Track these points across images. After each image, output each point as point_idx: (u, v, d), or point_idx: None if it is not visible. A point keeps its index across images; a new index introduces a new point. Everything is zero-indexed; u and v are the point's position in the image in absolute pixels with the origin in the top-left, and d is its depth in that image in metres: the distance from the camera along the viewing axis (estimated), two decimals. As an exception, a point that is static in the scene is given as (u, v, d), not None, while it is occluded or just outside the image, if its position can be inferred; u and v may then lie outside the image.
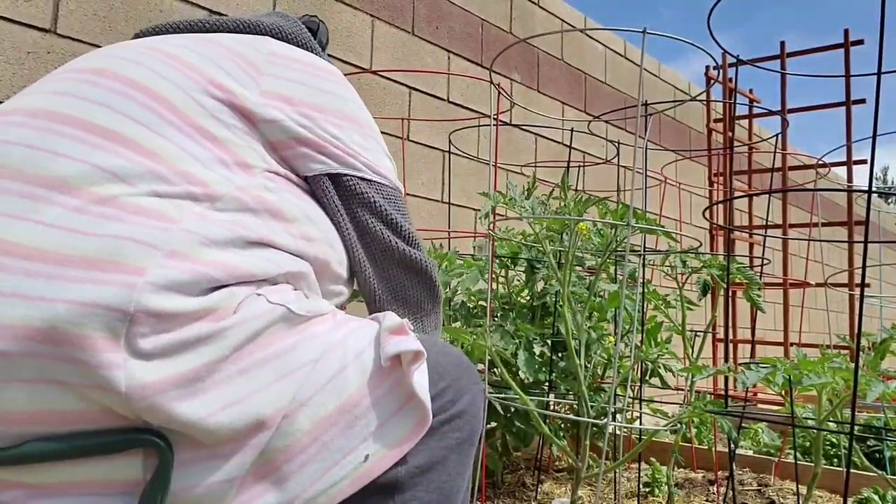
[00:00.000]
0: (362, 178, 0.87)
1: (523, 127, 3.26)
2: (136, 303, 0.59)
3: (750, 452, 2.64)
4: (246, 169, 0.75)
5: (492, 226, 1.63)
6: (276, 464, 0.67)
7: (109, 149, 0.67)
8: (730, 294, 1.83)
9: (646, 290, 1.88)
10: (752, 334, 2.45)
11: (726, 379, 1.78)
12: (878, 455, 2.41)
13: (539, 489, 2.07)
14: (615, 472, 1.96)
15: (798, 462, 1.99)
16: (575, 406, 2.01)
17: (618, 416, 1.76)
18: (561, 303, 1.52)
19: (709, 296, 1.85)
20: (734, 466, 1.72)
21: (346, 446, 0.69)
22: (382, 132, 3.13)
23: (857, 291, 2.86)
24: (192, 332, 0.62)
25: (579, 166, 2.88)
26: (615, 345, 1.48)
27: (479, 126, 2.81)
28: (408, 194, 2.72)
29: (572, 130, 2.44)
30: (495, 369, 1.83)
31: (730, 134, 2.83)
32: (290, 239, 0.76)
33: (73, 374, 0.58)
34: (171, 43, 0.81)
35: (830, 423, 1.56)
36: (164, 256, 0.62)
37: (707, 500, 2.04)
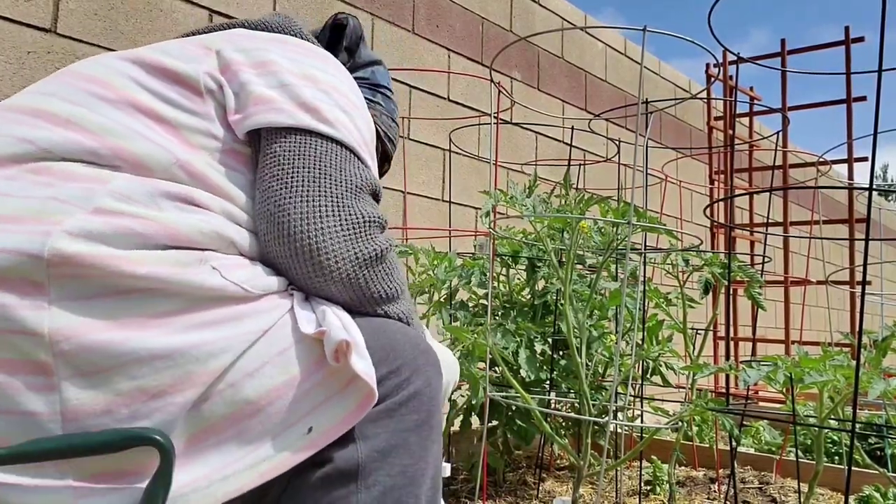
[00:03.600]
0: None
1: (524, 125, 3.26)
2: (49, 248, 0.61)
3: (751, 450, 2.64)
4: (189, 145, 0.77)
5: (492, 224, 1.62)
6: (219, 429, 0.67)
7: (46, 127, 0.72)
8: (731, 292, 1.83)
9: (647, 289, 1.88)
10: (754, 332, 2.45)
11: (727, 377, 1.78)
12: (879, 453, 2.41)
13: (540, 487, 2.07)
14: (616, 471, 1.96)
15: (799, 460, 1.98)
16: (576, 404, 2.01)
17: (619, 414, 1.76)
18: (562, 301, 1.52)
19: (710, 294, 1.85)
20: (735, 464, 1.72)
21: (290, 419, 0.70)
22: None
23: (858, 289, 2.86)
24: (123, 283, 0.63)
25: (580, 165, 2.88)
26: (616, 343, 1.48)
27: (480, 124, 2.81)
28: (408, 193, 2.72)
29: (573, 129, 2.43)
30: (496, 368, 1.83)
31: (730, 132, 2.83)
32: (235, 210, 0.78)
33: None
34: (141, 47, 0.86)
35: (832, 421, 1.56)
36: (88, 213, 0.65)
37: (708, 499, 2.04)
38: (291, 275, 0.77)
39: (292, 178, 0.77)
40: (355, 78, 1.15)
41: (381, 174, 1.28)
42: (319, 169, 0.78)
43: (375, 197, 0.85)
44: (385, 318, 0.82)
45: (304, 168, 0.78)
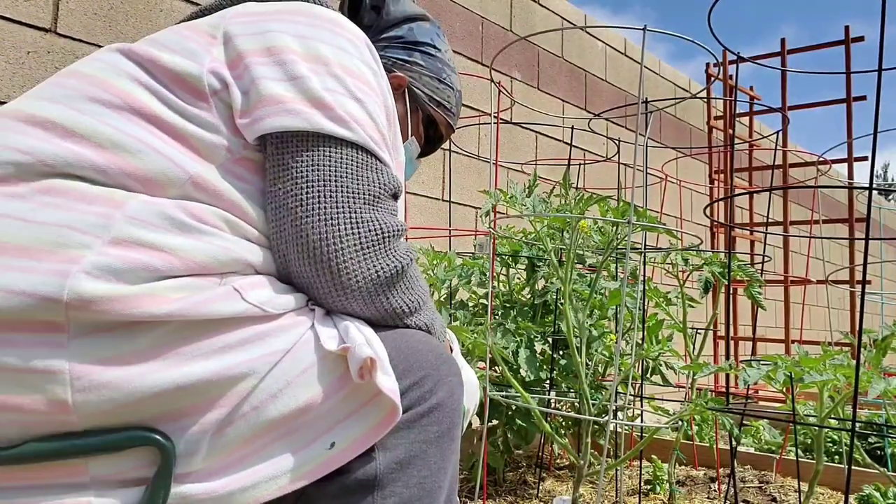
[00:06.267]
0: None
1: (524, 125, 3.26)
2: (69, 291, 0.59)
3: (751, 450, 2.64)
4: (200, 157, 0.74)
5: (492, 224, 1.62)
6: (241, 448, 0.68)
7: (47, 139, 0.68)
8: (731, 291, 1.83)
9: (647, 288, 1.88)
10: (753, 331, 2.44)
11: (727, 376, 1.78)
12: (879, 452, 2.41)
13: (541, 487, 2.07)
14: (617, 470, 1.96)
15: (799, 459, 1.99)
16: (576, 404, 2.01)
17: (619, 413, 1.76)
18: (562, 301, 1.52)
19: (710, 293, 1.85)
20: (735, 464, 1.72)
21: (312, 435, 0.70)
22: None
23: (858, 288, 2.86)
24: (143, 318, 0.62)
25: (580, 164, 2.88)
26: (616, 342, 1.48)
27: (480, 124, 2.81)
28: (408, 192, 2.72)
29: (573, 128, 2.43)
30: (496, 367, 1.83)
31: (730, 131, 2.83)
32: (248, 228, 0.75)
33: (11, 357, 0.59)
34: (145, 39, 0.82)
35: (832, 421, 1.56)
36: (106, 245, 0.63)
37: (708, 498, 2.04)
38: (313, 293, 0.76)
39: (307, 193, 0.74)
40: (387, 38, 1.08)
41: (436, 144, 1.18)
42: (335, 181, 0.75)
43: (395, 197, 0.81)
44: (406, 329, 0.81)
45: (319, 182, 0.75)
